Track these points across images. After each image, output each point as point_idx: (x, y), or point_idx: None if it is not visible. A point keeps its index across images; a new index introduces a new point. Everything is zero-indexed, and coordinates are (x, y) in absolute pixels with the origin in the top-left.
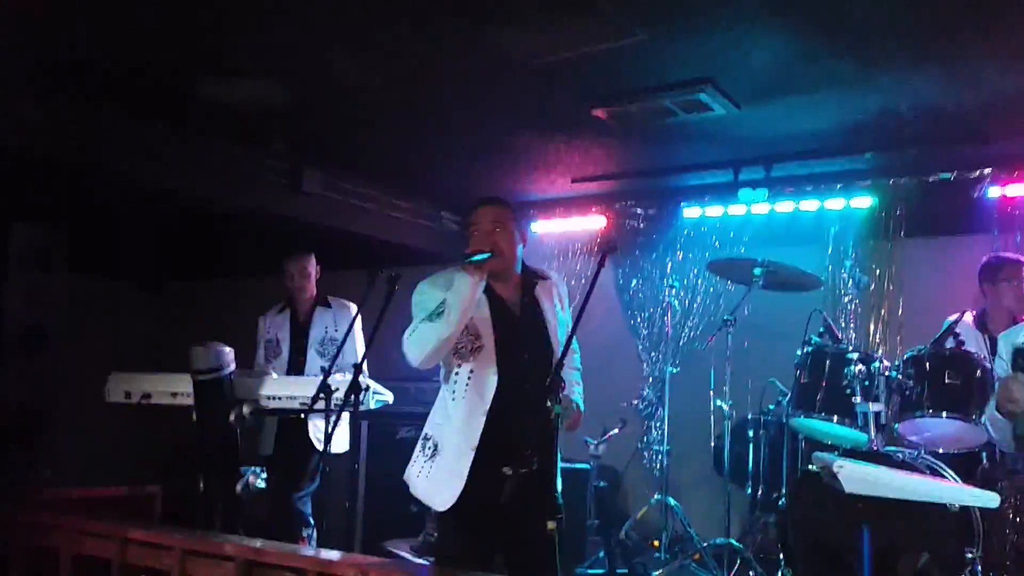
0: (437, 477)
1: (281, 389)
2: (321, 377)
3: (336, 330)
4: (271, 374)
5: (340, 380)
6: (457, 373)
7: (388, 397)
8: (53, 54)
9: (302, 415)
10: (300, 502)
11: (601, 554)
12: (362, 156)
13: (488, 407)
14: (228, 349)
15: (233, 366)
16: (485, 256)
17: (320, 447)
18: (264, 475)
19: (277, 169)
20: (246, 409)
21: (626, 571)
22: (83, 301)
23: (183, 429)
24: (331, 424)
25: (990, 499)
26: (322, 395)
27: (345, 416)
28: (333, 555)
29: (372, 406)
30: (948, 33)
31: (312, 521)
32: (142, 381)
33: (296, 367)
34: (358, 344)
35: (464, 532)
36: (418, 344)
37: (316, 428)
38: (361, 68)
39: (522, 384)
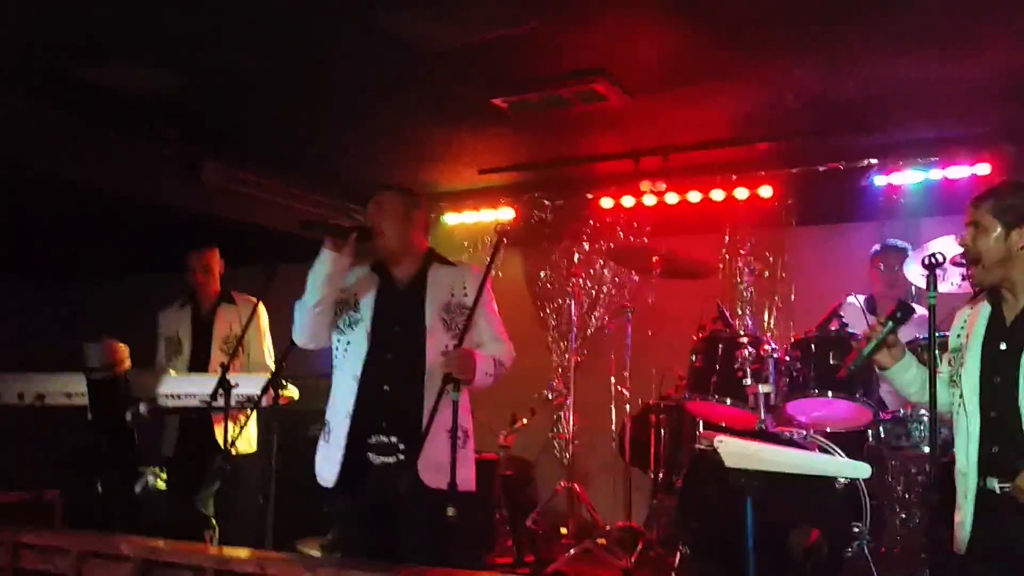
0: (327, 454)
1: (181, 387)
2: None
3: (241, 326)
4: (169, 372)
5: (242, 377)
6: (337, 348)
7: (294, 394)
8: None
9: (204, 414)
10: (201, 503)
11: (509, 543)
12: (262, 147)
13: (359, 374)
14: (122, 346)
15: (128, 363)
16: (346, 227)
17: (222, 446)
18: (164, 475)
19: (175, 160)
20: (143, 408)
21: (533, 559)
22: None
23: (80, 430)
24: (238, 422)
25: (861, 469)
26: (221, 392)
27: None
28: (231, 551)
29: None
30: (827, 24)
31: (214, 522)
32: (35, 382)
33: (199, 364)
34: (264, 341)
35: (358, 520)
36: (294, 321)
37: (219, 427)
38: (255, 55)
39: (386, 353)
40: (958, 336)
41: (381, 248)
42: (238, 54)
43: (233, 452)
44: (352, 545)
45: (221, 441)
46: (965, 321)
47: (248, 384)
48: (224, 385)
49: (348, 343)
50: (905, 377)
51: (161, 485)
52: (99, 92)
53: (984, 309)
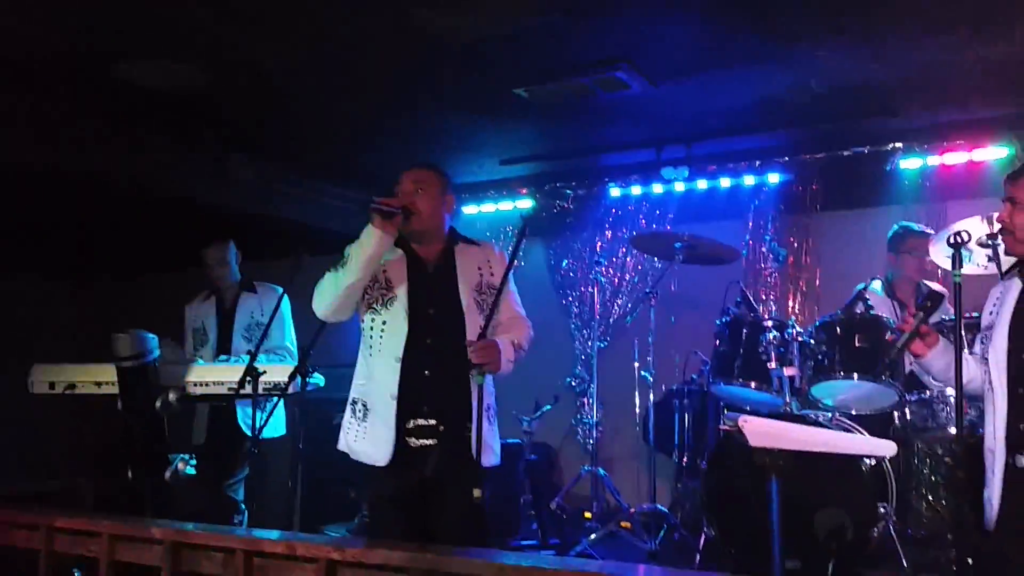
0: (373, 434)
1: (208, 375)
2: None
3: (263, 315)
4: (197, 360)
5: (270, 364)
6: (372, 326)
7: (320, 382)
8: None
9: (232, 401)
10: (231, 489)
11: (534, 526)
12: (289, 142)
13: (401, 356)
14: (151, 336)
15: (157, 353)
16: (394, 209)
17: (248, 433)
18: (193, 462)
19: (204, 156)
20: (172, 396)
21: (558, 541)
22: (7, 298)
23: (110, 419)
24: (265, 408)
25: (887, 447)
26: (249, 379)
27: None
28: (261, 533)
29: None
30: (852, 6)
31: (244, 507)
32: (66, 372)
33: (223, 352)
34: (284, 325)
35: (394, 504)
36: (322, 292)
37: (245, 414)
38: (283, 52)
39: (426, 337)
40: (990, 313)
41: (414, 226)
42: (264, 49)
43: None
44: (386, 526)
45: (247, 428)
46: (997, 299)
47: (277, 372)
48: (252, 372)
49: (384, 323)
50: (941, 363)
51: (191, 472)
52: (129, 90)
53: (1015, 285)
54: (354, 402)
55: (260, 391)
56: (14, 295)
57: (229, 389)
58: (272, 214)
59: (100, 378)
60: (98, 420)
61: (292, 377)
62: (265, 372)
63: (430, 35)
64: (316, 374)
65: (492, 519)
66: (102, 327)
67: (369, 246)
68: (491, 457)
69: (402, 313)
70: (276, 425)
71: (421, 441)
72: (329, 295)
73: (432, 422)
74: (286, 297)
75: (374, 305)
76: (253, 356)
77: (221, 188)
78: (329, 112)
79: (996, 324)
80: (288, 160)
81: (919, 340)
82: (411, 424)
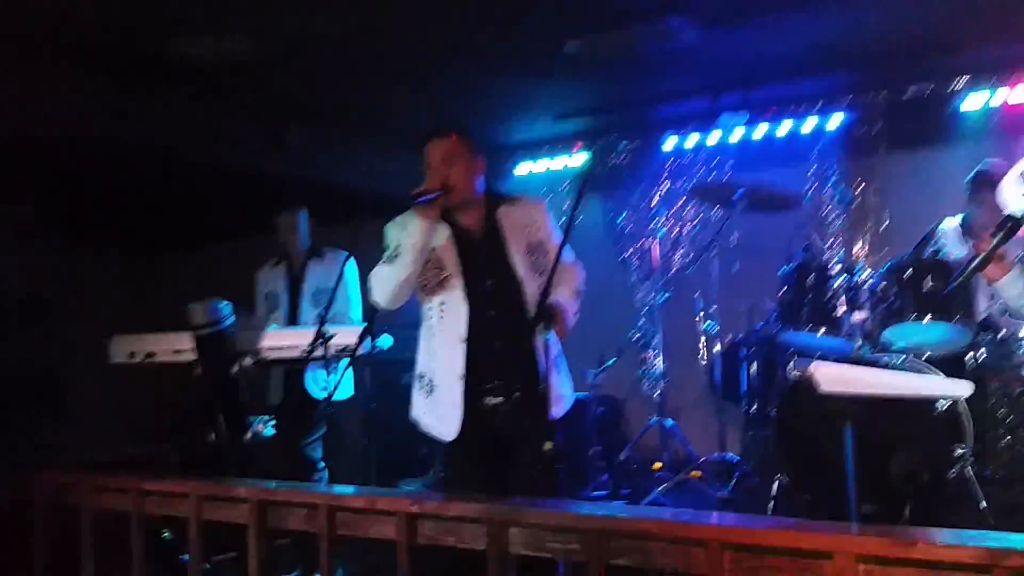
0: (440, 411)
1: (281, 340)
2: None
3: (330, 280)
4: (270, 325)
5: (339, 328)
6: (431, 308)
7: (387, 343)
8: (18, 24)
9: (303, 364)
10: (309, 448)
11: (604, 477)
12: (341, 108)
13: (465, 335)
14: (226, 303)
15: (232, 319)
16: (434, 196)
17: (316, 395)
18: (272, 423)
19: (258, 126)
20: (248, 361)
21: (629, 491)
22: (80, 271)
23: (189, 385)
24: (336, 370)
25: (963, 387)
26: (320, 342)
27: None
28: (343, 489)
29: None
30: None
31: (323, 465)
32: (145, 341)
33: (293, 317)
34: (349, 292)
35: (470, 462)
36: (379, 286)
37: (313, 377)
38: (330, 18)
39: (488, 311)
40: None
41: (453, 201)
42: (312, 17)
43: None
44: (462, 485)
45: (317, 389)
46: None
47: (346, 334)
48: (321, 336)
49: (443, 303)
50: (1013, 290)
51: (270, 432)
52: (184, 63)
53: None
54: (421, 376)
55: (331, 353)
56: (93, 269)
57: (302, 352)
58: (330, 179)
59: (178, 346)
60: (178, 387)
61: (361, 338)
62: (335, 335)
63: None
64: (385, 335)
65: (563, 471)
66: (172, 300)
67: (418, 237)
68: (562, 406)
69: (459, 292)
70: (345, 387)
71: (496, 399)
72: (387, 289)
73: (500, 385)
74: (353, 263)
75: (429, 287)
76: (322, 320)
77: (279, 156)
78: (377, 76)
79: None
80: (343, 127)
81: (994, 263)
82: (486, 386)
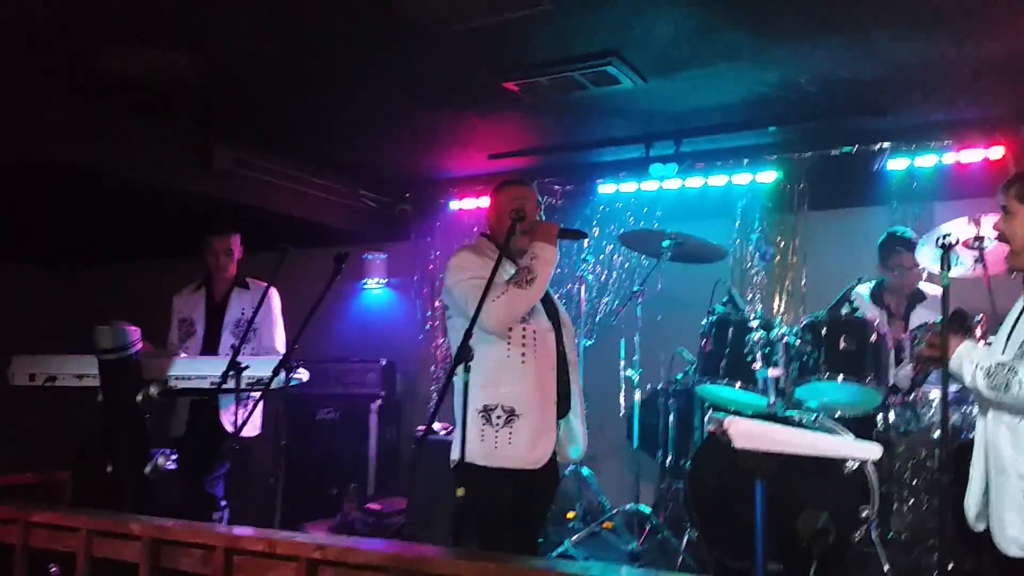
0: (524, 437)
1: (191, 369)
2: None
3: (253, 313)
4: (180, 354)
5: (253, 360)
6: (524, 335)
7: (304, 376)
8: None
9: (215, 395)
10: (211, 484)
11: None
12: (274, 132)
13: (555, 362)
14: (133, 328)
15: (139, 346)
16: (582, 234)
17: (228, 428)
18: (174, 457)
19: (186, 145)
20: (154, 389)
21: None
22: None
23: (91, 412)
24: (248, 404)
25: (872, 450)
26: (231, 373)
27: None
28: (242, 530)
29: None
30: (841, 4)
31: (224, 503)
32: (47, 363)
33: (211, 348)
34: (275, 326)
35: (542, 490)
36: (510, 308)
37: (226, 410)
38: (266, 39)
39: (559, 345)
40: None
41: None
42: (248, 38)
43: (241, 435)
44: (504, 527)
45: (227, 423)
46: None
47: (260, 367)
48: (235, 367)
49: (535, 332)
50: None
51: (172, 466)
52: (110, 79)
53: (1019, 304)
54: (489, 409)
55: (243, 386)
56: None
57: (212, 383)
58: (256, 205)
59: (81, 371)
60: (78, 413)
61: (276, 372)
62: (248, 367)
63: (416, 26)
64: (300, 369)
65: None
66: (85, 318)
67: (553, 261)
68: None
69: (546, 322)
70: (255, 422)
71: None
72: (519, 311)
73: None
74: (277, 297)
75: (524, 315)
76: (236, 351)
77: (204, 178)
78: (313, 102)
79: (995, 340)
80: (273, 151)
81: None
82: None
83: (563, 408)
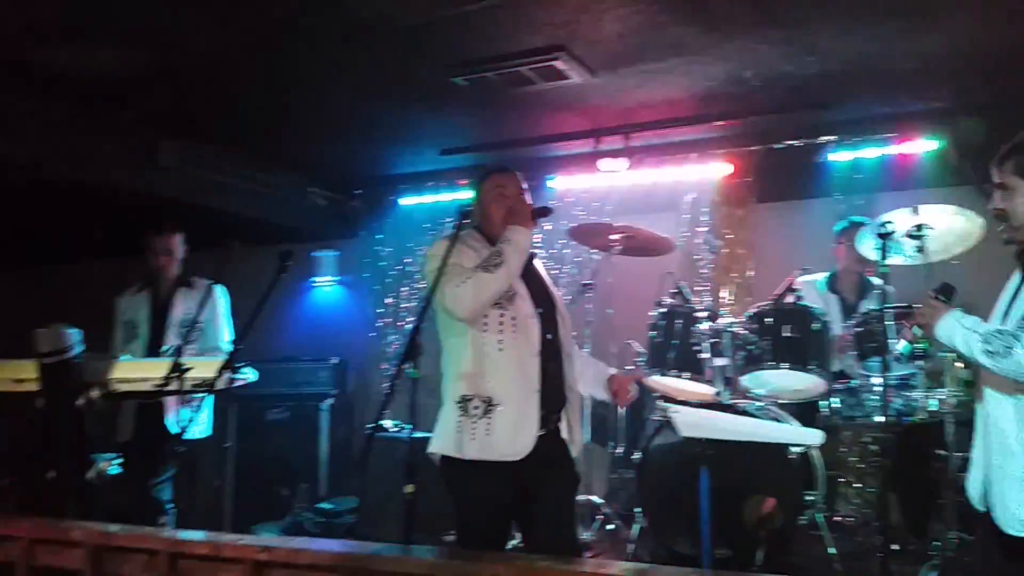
0: (504, 428)
1: (135, 372)
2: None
3: (199, 311)
4: (123, 356)
5: (197, 360)
6: (501, 322)
7: (251, 376)
8: None
9: (156, 398)
10: (157, 489)
11: None
12: (222, 127)
13: (537, 349)
14: (74, 331)
15: (80, 348)
16: (551, 210)
17: (176, 431)
18: (118, 461)
19: (130, 142)
20: (96, 393)
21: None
22: None
23: (32, 417)
24: (195, 405)
25: (814, 436)
26: (174, 375)
27: (210, 398)
28: (188, 534)
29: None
30: None
31: (170, 508)
32: None
33: (156, 349)
34: (222, 324)
35: (531, 482)
36: (474, 293)
37: (173, 412)
38: (214, 34)
39: (547, 332)
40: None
41: (533, 224)
42: (195, 33)
43: (188, 436)
44: (493, 524)
45: (172, 426)
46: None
47: (204, 367)
48: (178, 369)
49: (514, 318)
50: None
51: (115, 471)
52: (53, 74)
53: (1015, 279)
54: (465, 399)
55: (187, 387)
56: None
57: (155, 386)
58: (203, 202)
59: (20, 375)
60: (18, 418)
61: (220, 372)
62: (192, 368)
63: (363, 21)
64: (246, 368)
65: (424, 515)
66: (24, 320)
67: (526, 248)
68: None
69: (529, 308)
70: (203, 424)
71: (544, 429)
72: (484, 296)
73: (550, 411)
74: (226, 296)
75: (501, 300)
76: (179, 351)
77: (150, 175)
78: (261, 98)
79: (991, 316)
80: (219, 148)
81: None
82: (543, 414)
83: (553, 399)
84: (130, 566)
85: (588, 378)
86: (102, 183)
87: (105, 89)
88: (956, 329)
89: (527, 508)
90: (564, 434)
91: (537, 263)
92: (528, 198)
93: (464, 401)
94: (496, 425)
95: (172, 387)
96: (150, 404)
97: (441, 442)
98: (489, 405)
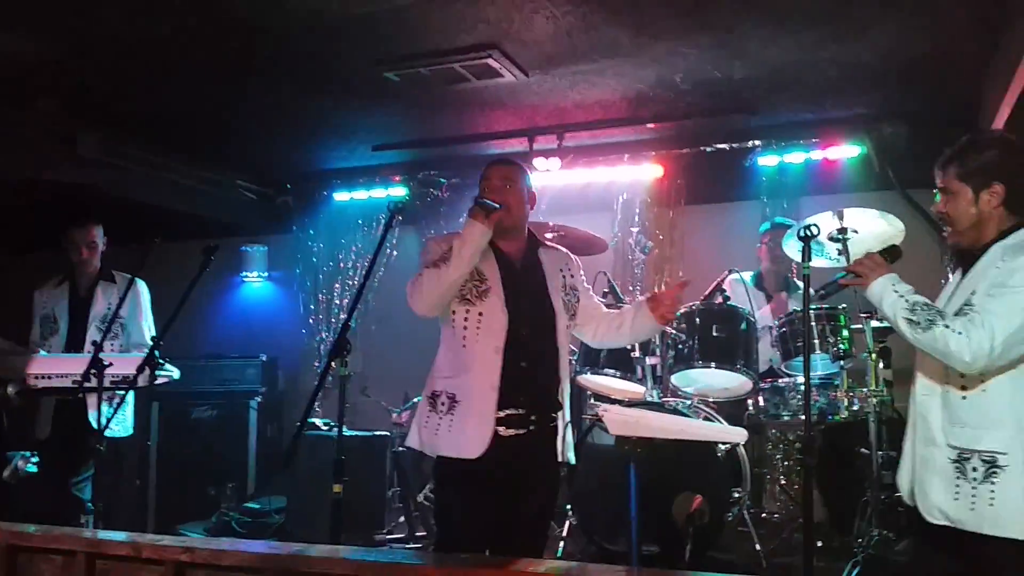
0: (464, 426)
1: (53, 368)
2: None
3: (122, 305)
4: (40, 352)
5: (118, 356)
6: (466, 319)
7: (174, 373)
8: None
9: (77, 395)
10: (77, 488)
11: (401, 519)
12: (146, 118)
13: (502, 346)
14: None
15: None
16: (496, 206)
17: (97, 428)
18: (35, 460)
19: (50, 132)
20: (11, 389)
21: (425, 534)
22: None
23: None
24: (114, 403)
25: (738, 434)
26: (94, 372)
27: (132, 396)
28: (107, 535)
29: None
30: (715, 4)
31: (91, 507)
32: None
33: (76, 344)
34: (144, 319)
35: (486, 484)
36: (427, 288)
37: (94, 409)
38: (138, 20)
39: (523, 329)
40: None
41: (504, 222)
42: (119, 22)
43: (109, 434)
44: (462, 521)
45: (95, 423)
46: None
47: (124, 364)
48: (97, 365)
49: (480, 315)
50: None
51: (32, 469)
52: None
53: (952, 281)
54: (435, 395)
55: (107, 384)
56: None
57: (74, 382)
58: (126, 194)
59: None
60: None
61: (140, 369)
62: (111, 364)
63: (294, 12)
64: (168, 365)
65: (355, 514)
66: None
67: (473, 241)
68: (571, 453)
69: (499, 304)
70: (125, 424)
71: (512, 431)
72: (435, 292)
73: (523, 412)
74: (145, 290)
75: (468, 297)
76: (98, 347)
77: (68, 165)
78: (188, 90)
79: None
80: (142, 139)
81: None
82: (505, 413)
83: (527, 400)
84: (47, 567)
85: (629, 325)
86: (15, 173)
87: (23, 78)
88: (887, 290)
89: (503, 510)
90: (557, 441)
91: (553, 267)
92: (514, 191)
93: (434, 396)
94: (457, 422)
95: (92, 384)
96: (70, 401)
97: (414, 436)
98: (453, 401)
